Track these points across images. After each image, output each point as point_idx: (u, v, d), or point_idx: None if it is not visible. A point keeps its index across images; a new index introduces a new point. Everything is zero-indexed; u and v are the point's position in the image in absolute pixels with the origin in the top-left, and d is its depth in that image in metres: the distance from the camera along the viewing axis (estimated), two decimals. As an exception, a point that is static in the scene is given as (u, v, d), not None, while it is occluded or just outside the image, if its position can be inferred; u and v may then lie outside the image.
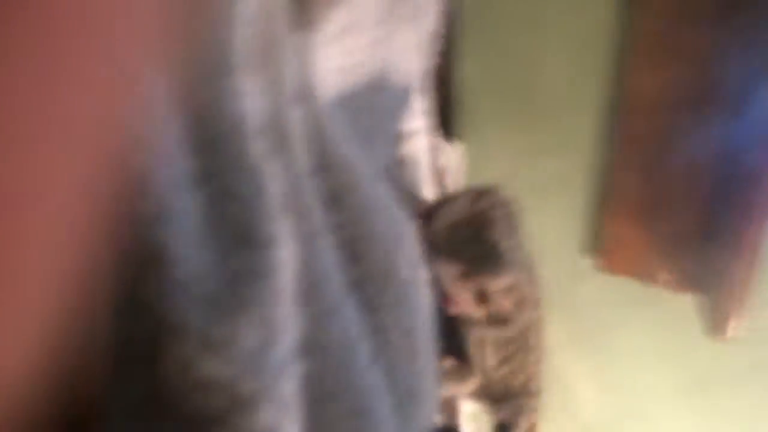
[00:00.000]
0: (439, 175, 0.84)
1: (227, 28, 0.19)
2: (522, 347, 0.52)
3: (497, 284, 0.46)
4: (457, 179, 0.82)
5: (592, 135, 0.96)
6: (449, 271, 0.46)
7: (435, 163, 0.78)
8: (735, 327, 0.85)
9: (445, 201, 0.50)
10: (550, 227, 1.03)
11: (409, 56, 0.41)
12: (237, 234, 0.18)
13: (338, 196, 0.26)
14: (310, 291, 0.22)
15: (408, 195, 0.65)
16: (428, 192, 0.77)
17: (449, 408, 0.56)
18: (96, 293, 0.15)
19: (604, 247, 0.97)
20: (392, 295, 0.27)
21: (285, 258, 0.19)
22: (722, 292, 0.84)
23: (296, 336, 0.19)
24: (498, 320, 0.48)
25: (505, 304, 0.47)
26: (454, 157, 0.79)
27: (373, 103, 0.35)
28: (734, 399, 1.04)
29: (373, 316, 0.27)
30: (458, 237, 0.46)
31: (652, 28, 0.83)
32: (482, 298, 0.46)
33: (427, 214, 0.49)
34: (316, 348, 0.22)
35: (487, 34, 0.97)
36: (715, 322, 0.86)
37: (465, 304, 0.47)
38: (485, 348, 0.51)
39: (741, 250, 0.81)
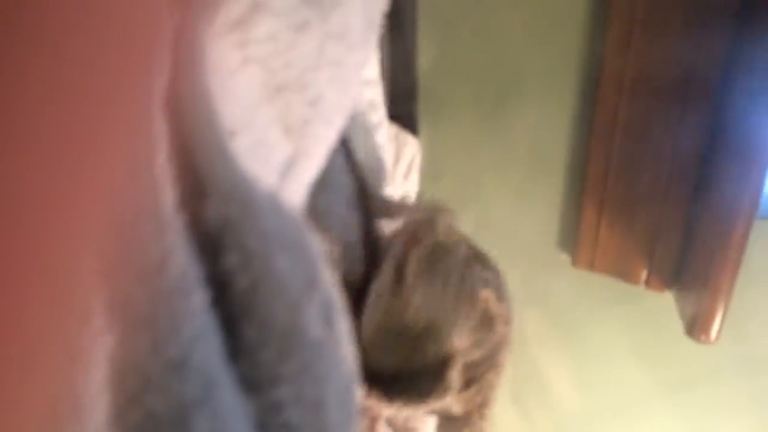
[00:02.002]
0: (407, 169, 0.79)
1: None
2: (491, 367, 0.50)
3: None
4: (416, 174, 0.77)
5: (566, 124, 0.91)
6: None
7: (400, 156, 0.73)
8: (718, 329, 0.81)
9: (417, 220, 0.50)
10: (526, 222, 0.99)
11: (355, 43, 0.35)
12: None
13: (224, 229, 0.20)
14: (169, 377, 0.16)
15: (376, 198, 0.62)
16: (393, 189, 0.72)
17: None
18: None
19: (581, 243, 0.92)
20: (295, 362, 0.21)
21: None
22: (704, 292, 0.80)
23: None
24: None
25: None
26: (416, 150, 0.74)
27: (307, 97, 0.30)
28: (712, 398, 1.03)
29: (264, 392, 0.21)
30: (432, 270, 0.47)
31: (628, 4, 0.78)
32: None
33: (411, 239, 0.48)
34: None
35: (447, 14, 0.91)
36: (697, 323, 0.82)
37: None
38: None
39: (724, 249, 0.77)
